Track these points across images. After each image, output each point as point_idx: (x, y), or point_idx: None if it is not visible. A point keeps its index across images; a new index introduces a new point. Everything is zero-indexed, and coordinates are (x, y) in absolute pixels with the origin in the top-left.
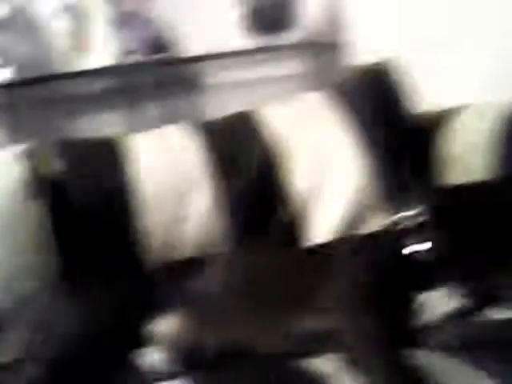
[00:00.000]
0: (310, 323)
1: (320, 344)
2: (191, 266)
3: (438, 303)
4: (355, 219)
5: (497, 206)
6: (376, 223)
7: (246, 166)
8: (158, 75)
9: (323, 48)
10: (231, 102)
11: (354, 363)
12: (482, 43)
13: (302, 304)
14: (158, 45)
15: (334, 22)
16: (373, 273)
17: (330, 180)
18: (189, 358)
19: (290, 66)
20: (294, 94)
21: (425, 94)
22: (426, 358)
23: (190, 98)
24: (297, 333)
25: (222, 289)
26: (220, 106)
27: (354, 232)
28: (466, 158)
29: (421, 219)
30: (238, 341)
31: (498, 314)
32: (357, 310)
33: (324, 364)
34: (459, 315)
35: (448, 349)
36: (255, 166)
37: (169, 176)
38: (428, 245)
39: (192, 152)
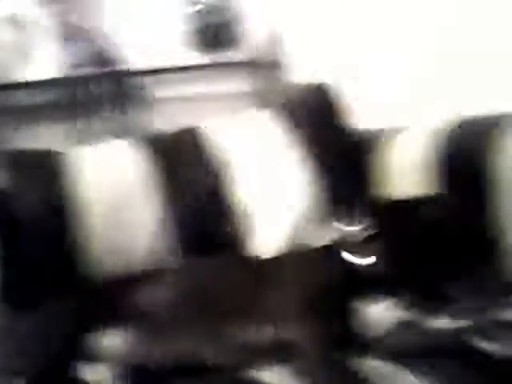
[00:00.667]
0: (259, 334)
1: (269, 354)
2: (139, 279)
3: (384, 313)
4: (301, 233)
5: (436, 221)
6: (321, 237)
7: (192, 180)
8: (104, 88)
9: (266, 67)
10: (178, 116)
11: (302, 372)
12: (414, 69)
13: (251, 316)
14: (103, 58)
15: (275, 43)
16: (319, 285)
17: (276, 195)
18: (137, 373)
19: (235, 83)
20: (239, 111)
21: (360, 115)
22: (372, 366)
23: (135, 111)
24: (246, 344)
25: (170, 302)
26: (166, 120)
27: (300, 246)
28: (403, 175)
29: (365, 233)
30: (187, 354)
31: (442, 323)
32: (304, 320)
33: (273, 374)
34: (404, 325)
35: (393, 357)
36: (202, 181)
37: (114, 189)
38: (371, 258)
39: (138, 165)
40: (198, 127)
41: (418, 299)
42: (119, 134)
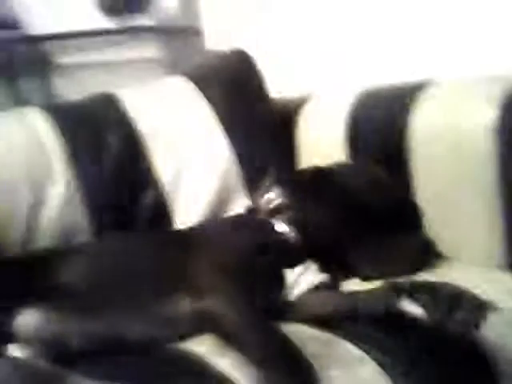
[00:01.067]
0: (182, 306)
1: (193, 326)
2: (54, 256)
3: (301, 279)
4: (220, 202)
5: (349, 190)
6: (240, 206)
7: (106, 150)
8: (7, 54)
9: (180, 33)
10: (88, 84)
11: (229, 342)
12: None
13: (173, 288)
14: (6, 22)
15: (189, 8)
16: (237, 253)
17: (194, 164)
18: (55, 351)
19: (147, 50)
20: (153, 78)
21: (277, 83)
22: (295, 330)
23: (42, 79)
24: (169, 316)
25: (87, 279)
26: (76, 88)
27: (220, 215)
28: (320, 143)
29: (281, 201)
30: (109, 331)
31: (354, 286)
32: (227, 289)
33: (198, 345)
34: (322, 289)
35: (316, 321)
36: (117, 151)
37: (22, 162)
38: (286, 227)
39: (46, 135)
40: (112, 94)
41: (331, 264)
42: (27, 103)
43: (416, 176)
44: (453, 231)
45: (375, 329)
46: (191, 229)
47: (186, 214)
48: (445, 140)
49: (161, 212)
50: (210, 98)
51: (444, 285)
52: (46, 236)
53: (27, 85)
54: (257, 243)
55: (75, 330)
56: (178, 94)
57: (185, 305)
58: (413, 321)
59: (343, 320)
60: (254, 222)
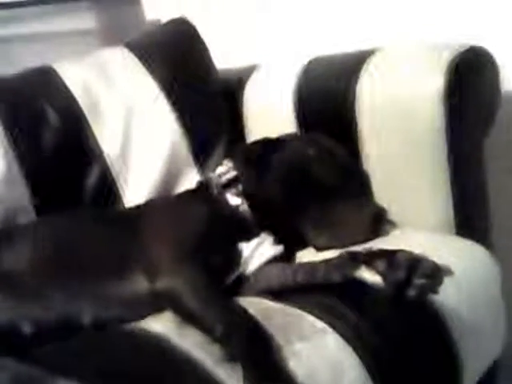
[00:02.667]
0: (138, 286)
1: (151, 305)
2: None
3: (257, 252)
4: (170, 178)
5: (299, 160)
6: (191, 181)
7: (46, 126)
8: None
9: (115, 2)
10: (23, 57)
11: (189, 320)
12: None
13: (127, 268)
14: None
15: None
16: (194, 230)
17: (140, 139)
18: (7, 340)
19: (82, 20)
20: (90, 50)
21: (222, 53)
22: (253, 304)
23: None
24: (125, 297)
25: (36, 264)
26: (10, 61)
27: (170, 191)
28: (269, 113)
29: (233, 174)
30: (59, 316)
31: (310, 257)
32: (183, 267)
33: (158, 324)
34: (275, 261)
35: (270, 293)
36: (57, 126)
37: None
38: (240, 199)
39: None
40: (49, 68)
41: (284, 236)
42: None
43: (365, 145)
44: (403, 198)
45: (334, 299)
46: (142, 206)
47: (135, 190)
48: (392, 108)
49: (108, 189)
50: (152, 70)
51: (399, 251)
52: None
53: None
54: (210, 218)
55: (26, 318)
56: (119, 66)
57: (141, 285)
58: (371, 289)
59: (301, 291)
60: (206, 196)
